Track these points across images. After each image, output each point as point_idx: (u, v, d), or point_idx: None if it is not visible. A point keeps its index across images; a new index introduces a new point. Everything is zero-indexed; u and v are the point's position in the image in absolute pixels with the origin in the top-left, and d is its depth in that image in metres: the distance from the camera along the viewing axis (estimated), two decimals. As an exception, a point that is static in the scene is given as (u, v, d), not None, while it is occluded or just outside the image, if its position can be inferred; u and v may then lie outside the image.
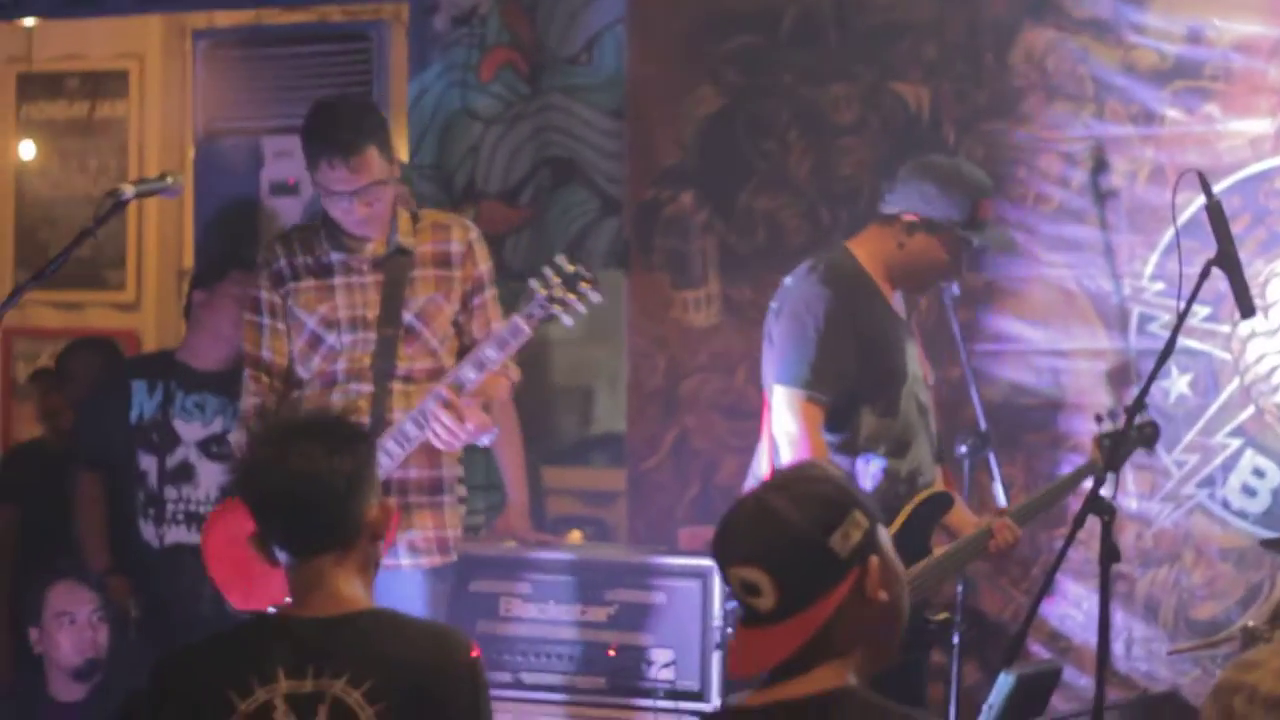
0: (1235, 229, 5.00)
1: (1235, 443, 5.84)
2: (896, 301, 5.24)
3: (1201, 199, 4.89)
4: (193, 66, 7.67)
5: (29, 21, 7.92)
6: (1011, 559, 5.70)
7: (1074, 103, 6.03)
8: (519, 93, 6.88)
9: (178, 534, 6.00)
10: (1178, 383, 5.88)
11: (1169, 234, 5.59)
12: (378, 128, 5.10)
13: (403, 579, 5.05)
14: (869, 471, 5.07)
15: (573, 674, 5.56)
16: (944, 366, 5.95)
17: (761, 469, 5.17)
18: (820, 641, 2.82)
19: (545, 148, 6.83)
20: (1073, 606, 5.95)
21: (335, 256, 5.17)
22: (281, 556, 3.42)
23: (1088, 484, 4.65)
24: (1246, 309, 4.87)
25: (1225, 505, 5.84)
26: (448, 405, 4.94)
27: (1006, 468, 5.61)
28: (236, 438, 5.31)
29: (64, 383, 7.13)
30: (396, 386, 5.10)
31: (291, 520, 3.39)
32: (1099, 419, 5.33)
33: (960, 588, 5.41)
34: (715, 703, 5.36)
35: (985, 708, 5.11)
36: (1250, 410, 5.83)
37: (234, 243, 7.18)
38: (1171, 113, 5.92)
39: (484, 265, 5.24)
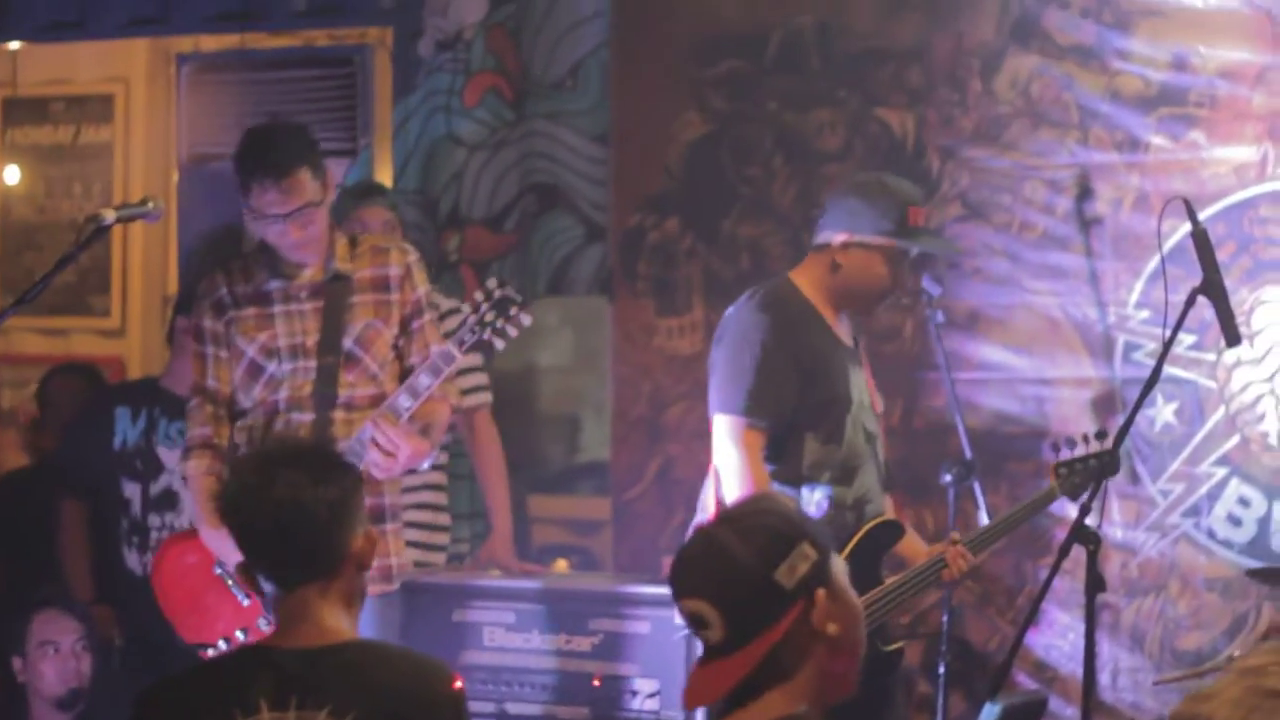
0: (1220, 256, 5.01)
1: (1220, 471, 5.82)
2: (842, 328, 5.17)
3: (1187, 226, 4.89)
4: (177, 91, 7.67)
5: (14, 45, 7.91)
6: (998, 588, 5.68)
7: (1059, 129, 6.03)
8: (504, 118, 6.87)
9: (162, 562, 5.98)
10: (1163, 411, 5.87)
11: (1154, 261, 5.59)
12: (308, 150, 5.07)
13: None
14: (814, 499, 5.00)
15: (557, 704, 5.54)
16: (929, 395, 5.94)
17: (708, 500, 5.14)
18: (767, 669, 2.83)
19: (530, 174, 6.82)
20: (1058, 636, 5.93)
21: (274, 284, 5.16)
22: (267, 587, 3.42)
23: (1072, 513, 4.62)
24: (1232, 337, 4.86)
25: (1211, 535, 5.82)
26: (382, 433, 4.94)
27: (991, 496, 5.59)
28: (184, 467, 5.26)
29: (45, 409, 7.10)
30: (338, 414, 5.09)
31: (276, 549, 3.39)
32: (1056, 448, 5.25)
33: (946, 617, 5.39)
34: (700, 732, 5.35)
35: (971, 737, 5.10)
36: (1236, 439, 5.81)
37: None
38: (1156, 140, 5.91)
39: (422, 289, 5.23)
